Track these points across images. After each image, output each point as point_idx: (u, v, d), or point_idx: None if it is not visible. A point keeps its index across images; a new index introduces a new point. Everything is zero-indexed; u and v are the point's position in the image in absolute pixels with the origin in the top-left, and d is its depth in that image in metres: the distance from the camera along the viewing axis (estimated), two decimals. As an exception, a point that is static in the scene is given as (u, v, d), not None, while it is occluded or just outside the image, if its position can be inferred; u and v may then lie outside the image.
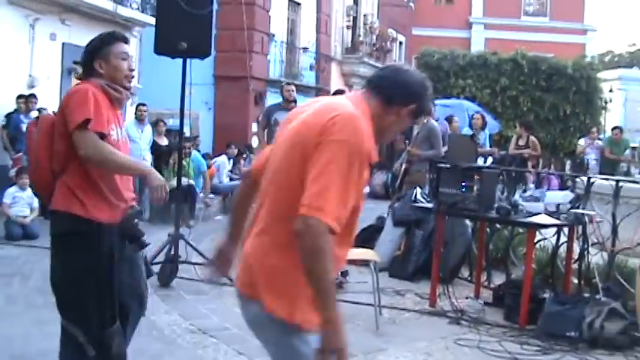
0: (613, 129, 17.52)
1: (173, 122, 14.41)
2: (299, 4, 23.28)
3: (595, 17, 35.95)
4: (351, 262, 6.42)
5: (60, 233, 3.78)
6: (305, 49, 23.26)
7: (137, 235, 3.92)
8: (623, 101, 55.21)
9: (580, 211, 7.11)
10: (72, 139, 3.66)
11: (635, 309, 5.99)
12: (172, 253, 7.87)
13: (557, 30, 32.62)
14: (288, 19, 22.71)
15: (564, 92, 25.83)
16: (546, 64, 26.02)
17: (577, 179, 8.81)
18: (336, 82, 24.59)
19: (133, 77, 4.03)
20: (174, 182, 8.97)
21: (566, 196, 7.51)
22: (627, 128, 39.39)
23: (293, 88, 10.44)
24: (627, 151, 17.85)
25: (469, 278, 8.49)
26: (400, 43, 30.37)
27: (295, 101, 9.96)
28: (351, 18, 22.99)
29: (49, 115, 4.18)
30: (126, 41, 4.05)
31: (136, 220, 3.97)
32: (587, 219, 6.96)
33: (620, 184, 7.28)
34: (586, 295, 6.77)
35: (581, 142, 17.85)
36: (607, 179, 8.06)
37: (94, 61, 3.89)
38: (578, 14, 33.25)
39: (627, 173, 18.01)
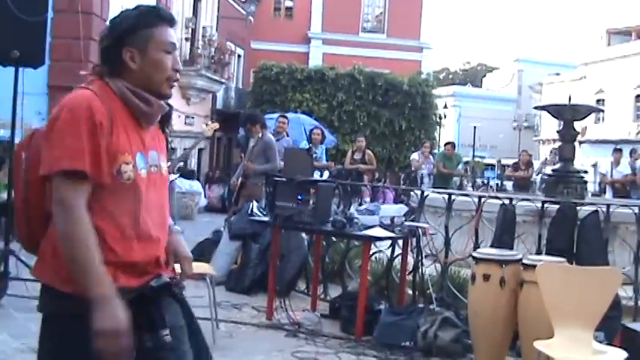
0: (446, 144, 18.08)
1: (4, 133, 13.66)
2: (137, 13, 22.69)
3: (431, 35, 37.23)
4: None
5: (60, 314, 2.51)
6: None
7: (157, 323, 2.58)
8: (457, 117, 57.68)
9: (414, 224, 7.23)
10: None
11: (467, 318, 6.11)
12: (2, 269, 7.39)
13: (394, 47, 33.50)
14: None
15: (400, 108, 26.54)
16: (383, 80, 26.66)
17: (411, 193, 8.96)
18: (173, 94, 24.14)
19: (177, 81, 2.76)
20: (4, 195, 8.48)
21: (401, 209, 7.59)
22: (460, 143, 41.20)
23: None
24: (460, 166, 18.47)
25: (305, 291, 8.50)
26: (239, 56, 30.28)
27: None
28: (190, 30, 22.70)
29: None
30: (173, 25, 2.76)
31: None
32: (420, 231, 7.08)
33: (453, 197, 7.46)
34: (420, 305, 6.86)
35: (415, 156, 18.31)
36: (440, 193, 8.25)
37: (123, 50, 2.61)
38: (414, 32, 34.29)
39: (460, 187, 18.64)
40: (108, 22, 2.75)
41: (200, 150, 23.58)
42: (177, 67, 2.71)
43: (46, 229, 2.55)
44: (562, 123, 10.54)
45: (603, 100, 45.23)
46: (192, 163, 21.87)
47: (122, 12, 2.67)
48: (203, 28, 24.05)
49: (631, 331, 5.25)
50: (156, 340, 2.51)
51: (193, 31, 23.50)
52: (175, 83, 2.75)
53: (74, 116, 2.44)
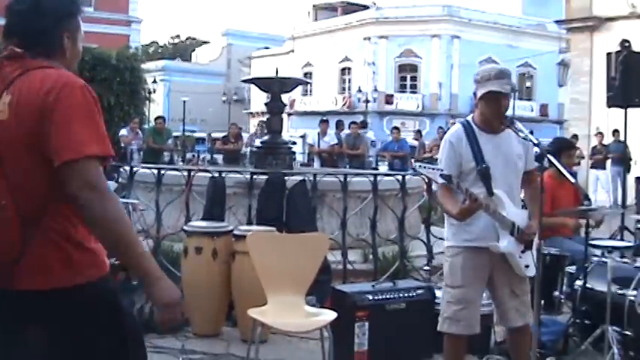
0: (156, 119, 17.85)
1: None
2: None
3: (140, 8, 36.57)
4: None
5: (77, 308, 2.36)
6: None
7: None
8: (167, 92, 57.25)
9: (124, 200, 7.02)
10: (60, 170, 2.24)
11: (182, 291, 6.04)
12: None
13: (102, 21, 32.45)
14: None
15: (108, 83, 25.72)
16: (90, 55, 25.68)
17: (120, 169, 8.69)
18: None
19: None
20: None
21: (110, 185, 7.33)
22: (170, 118, 40.94)
23: None
24: (170, 140, 18.28)
25: None
26: None
27: None
28: None
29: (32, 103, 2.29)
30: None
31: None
32: (131, 208, 6.89)
33: (162, 172, 7.33)
34: (134, 282, 6.67)
35: (123, 132, 17.89)
36: (149, 168, 8.08)
37: (64, 34, 2.43)
38: (123, 5, 33.45)
39: (170, 161, 18.48)
40: None
41: None
42: None
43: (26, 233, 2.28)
44: (270, 96, 10.72)
45: (311, 74, 47.20)
46: None
47: None
48: None
49: (340, 293, 5.47)
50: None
51: None
52: None
53: (87, 99, 2.29)
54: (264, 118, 11.54)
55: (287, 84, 11.21)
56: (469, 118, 4.57)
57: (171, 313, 2.41)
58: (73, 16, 2.46)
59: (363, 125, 20.86)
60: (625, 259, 6.27)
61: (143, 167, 8.43)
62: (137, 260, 2.33)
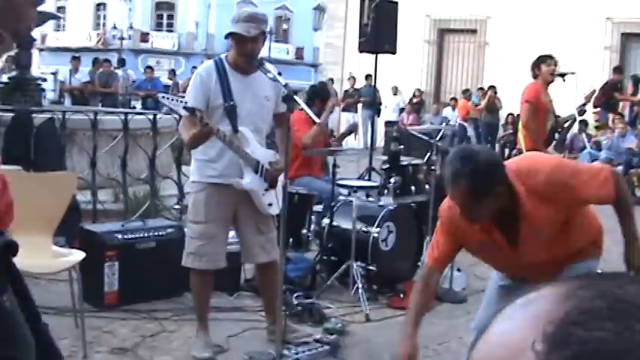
0: None
1: None
2: None
3: None
4: None
5: None
6: None
7: None
8: None
9: None
10: None
11: None
12: None
13: None
14: None
15: None
16: None
17: None
18: None
19: None
20: None
21: None
22: None
23: None
24: None
25: None
26: None
27: None
28: None
29: None
30: None
31: None
32: None
33: None
34: None
35: None
36: None
37: None
38: None
39: None
40: None
41: None
42: None
43: None
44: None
45: (64, 8, 44.94)
46: None
47: None
48: None
49: (89, 233, 5.48)
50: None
51: None
52: None
53: None
54: (13, 53, 11.00)
55: (37, 17, 10.69)
56: (223, 56, 4.69)
57: None
58: None
59: (122, 64, 20.47)
60: (370, 198, 6.72)
61: None
62: None
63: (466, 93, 19.45)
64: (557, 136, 7.74)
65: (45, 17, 11.75)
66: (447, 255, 3.32)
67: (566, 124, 8.12)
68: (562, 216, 3.15)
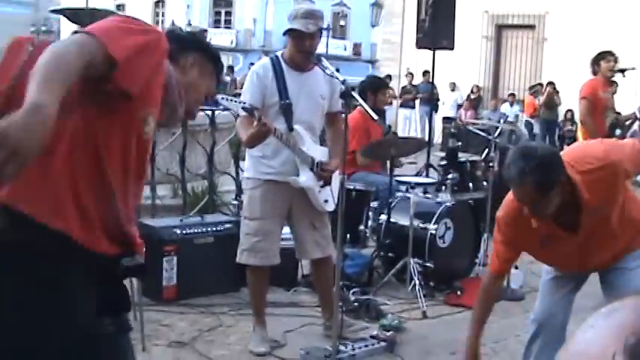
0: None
1: None
2: None
3: None
4: None
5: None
6: None
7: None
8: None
9: None
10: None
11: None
12: None
13: None
14: None
15: None
16: None
17: None
18: None
19: None
20: None
21: None
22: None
23: None
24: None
25: None
26: None
27: None
28: None
29: None
30: None
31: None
32: None
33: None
34: None
35: None
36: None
37: None
38: None
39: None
40: None
41: None
42: None
43: None
44: (80, 28, 10.36)
45: (124, 6, 45.58)
46: None
47: None
48: None
49: (147, 227, 5.53)
50: (118, 325, 2.19)
51: None
52: None
53: None
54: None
55: (98, 16, 10.72)
56: (279, 53, 4.70)
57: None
58: None
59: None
60: (427, 195, 6.68)
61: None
62: None
63: (532, 89, 19.04)
64: (618, 132, 7.61)
65: (104, 15, 11.90)
66: (508, 263, 3.50)
67: (627, 122, 7.98)
68: (617, 199, 3.18)
